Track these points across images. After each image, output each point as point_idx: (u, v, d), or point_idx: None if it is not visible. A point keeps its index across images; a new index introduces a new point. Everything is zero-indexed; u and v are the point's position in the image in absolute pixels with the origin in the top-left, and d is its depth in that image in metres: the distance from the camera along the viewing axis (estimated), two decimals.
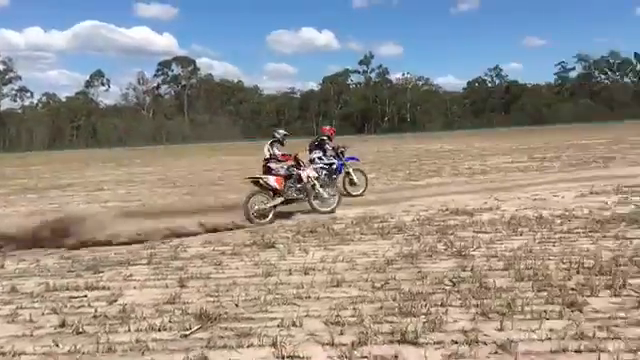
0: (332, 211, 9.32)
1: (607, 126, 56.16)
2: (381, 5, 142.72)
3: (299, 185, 9.35)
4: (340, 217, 8.83)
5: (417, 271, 5.35)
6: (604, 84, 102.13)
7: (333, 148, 11.61)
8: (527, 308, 4.09)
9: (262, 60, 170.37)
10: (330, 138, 11.81)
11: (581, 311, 4.03)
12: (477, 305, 4.23)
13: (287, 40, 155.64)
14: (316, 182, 9.48)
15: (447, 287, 4.78)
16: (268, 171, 9.45)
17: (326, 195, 9.53)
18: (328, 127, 12.58)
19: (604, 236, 6.54)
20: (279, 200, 9.08)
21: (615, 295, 4.36)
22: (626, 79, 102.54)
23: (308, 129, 73.55)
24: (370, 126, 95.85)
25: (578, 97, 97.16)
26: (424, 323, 3.89)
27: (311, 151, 11.41)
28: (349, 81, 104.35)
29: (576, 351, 3.34)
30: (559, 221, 7.60)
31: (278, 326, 3.98)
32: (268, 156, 9.66)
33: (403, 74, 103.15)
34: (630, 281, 4.65)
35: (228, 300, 4.67)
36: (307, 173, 9.45)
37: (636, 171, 13.68)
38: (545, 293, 4.45)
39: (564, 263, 5.36)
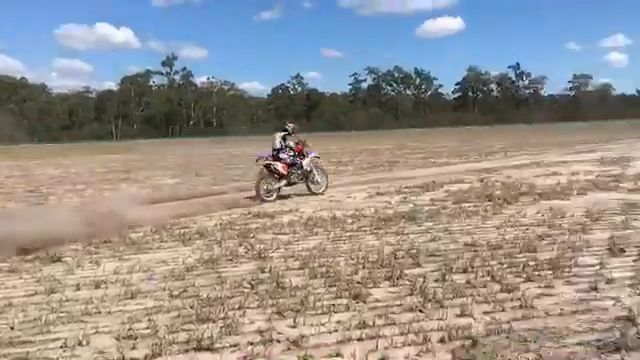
0: (322, 192, 11.59)
1: (393, 133, 62.78)
2: (181, 6, 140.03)
3: (300, 171, 11.37)
4: (138, 225, 8.40)
5: (217, 276, 5.34)
6: (390, 95, 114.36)
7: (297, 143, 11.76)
8: (318, 304, 4.36)
9: (50, 55, 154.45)
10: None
11: (365, 302, 4.42)
12: (273, 305, 4.38)
13: (80, 35, 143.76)
14: (314, 169, 11.65)
15: (246, 290, 4.86)
16: (277, 159, 11.18)
17: (319, 180, 11.76)
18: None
19: (387, 232, 7.28)
20: (283, 183, 11.17)
21: (393, 285, 4.87)
22: (408, 91, 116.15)
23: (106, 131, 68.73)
24: (175, 129, 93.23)
25: (369, 106, 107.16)
26: (221, 328, 3.89)
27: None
28: (151, 82, 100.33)
29: (359, 339, 3.65)
30: (350, 220, 8.24)
31: (61, 347, 3.64)
32: (279, 147, 11.37)
33: (208, 78, 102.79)
34: (406, 271, 5.25)
35: (2, 324, 4.13)
36: (307, 162, 11.52)
37: (415, 173, 15.54)
38: (335, 288, 4.79)
39: (352, 259, 5.83)
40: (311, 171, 11.56)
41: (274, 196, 10.87)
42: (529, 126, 76.80)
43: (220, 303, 4.45)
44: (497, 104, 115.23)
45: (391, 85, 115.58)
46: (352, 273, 5.29)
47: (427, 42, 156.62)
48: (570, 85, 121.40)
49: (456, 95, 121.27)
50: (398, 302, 4.39)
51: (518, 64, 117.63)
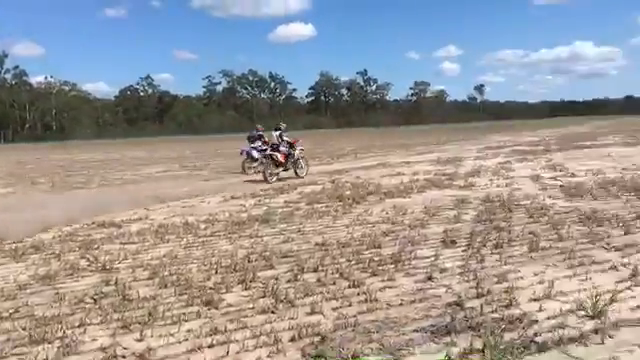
0: (304, 176, 15.09)
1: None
2: None
3: (292, 160, 15.10)
4: None
5: (54, 293, 4.90)
6: (246, 98, 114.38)
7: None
8: (168, 313, 4.21)
9: None
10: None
11: (217, 308, 4.36)
12: (119, 319, 4.13)
13: None
14: (300, 159, 15.42)
15: (88, 305, 4.53)
16: (277, 150, 14.82)
17: (303, 165, 15.54)
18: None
19: (241, 236, 7.26)
20: (281, 169, 14.89)
21: (246, 288, 4.87)
22: (263, 95, 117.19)
23: None
24: (7, 133, 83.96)
25: (225, 109, 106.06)
26: (58, 348, 3.59)
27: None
28: None
29: (209, 346, 3.59)
30: (204, 226, 8.08)
31: None
32: (277, 142, 15.31)
33: (46, 77, 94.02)
34: (259, 274, 5.28)
35: None
36: (297, 153, 15.33)
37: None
38: (186, 296, 4.66)
39: (205, 265, 5.72)
40: (298, 159, 15.39)
41: (275, 178, 14.32)
42: (377, 129, 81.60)
43: (58, 322, 4.09)
44: (347, 108, 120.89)
45: (246, 88, 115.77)
46: (205, 279, 5.19)
47: (280, 47, 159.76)
48: (411, 91, 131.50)
49: (310, 99, 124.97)
50: (251, 305, 4.40)
51: (366, 70, 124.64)
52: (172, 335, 3.78)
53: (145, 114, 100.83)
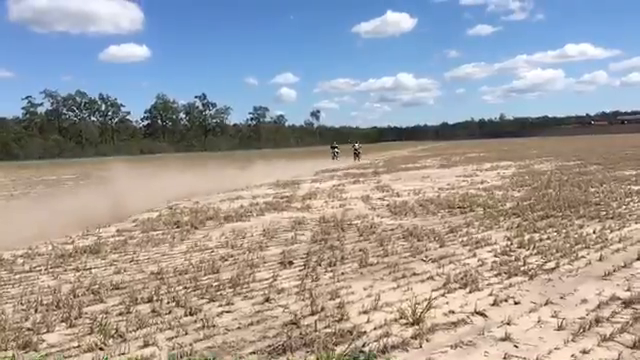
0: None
1: (78, 162, 58.14)
2: None
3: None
4: None
5: None
6: (73, 121, 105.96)
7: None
8: None
9: None
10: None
11: (36, 350, 3.97)
12: None
13: None
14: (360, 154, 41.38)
15: None
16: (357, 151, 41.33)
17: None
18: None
19: (66, 270, 6.68)
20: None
21: (71, 326, 4.49)
22: (93, 117, 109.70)
23: None
24: None
25: (48, 133, 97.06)
26: None
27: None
28: None
29: None
30: (21, 260, 7.27)
31: None
32: (357, 147, 41.54)
33: None
34: (85, 309, 4.90)
35: None
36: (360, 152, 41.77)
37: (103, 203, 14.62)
38: None
39: (23, 304, 5.16)
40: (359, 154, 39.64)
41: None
42: (215, 153, 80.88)
43: None
44: (186, 132, 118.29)
45: (73, 111, 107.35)
46: (22, 320, 4.68)
47: (112, 67, 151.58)
48: (251, 116, 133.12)
49: (145, 123, 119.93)
50: (76, 343, 4.07)
51: (204, 94, 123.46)
52: None
53: None
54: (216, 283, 5.68)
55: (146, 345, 4.00)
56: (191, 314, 4.69)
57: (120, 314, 4.79)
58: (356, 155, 40.66)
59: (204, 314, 4.65)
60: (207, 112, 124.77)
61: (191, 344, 3.96)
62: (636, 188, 12.78)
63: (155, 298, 5.18)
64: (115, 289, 5.63)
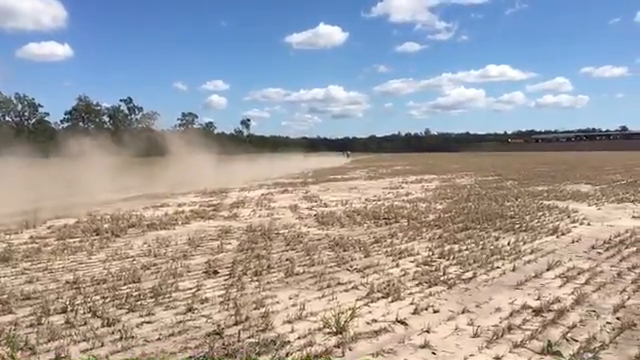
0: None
1: None
2: None
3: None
4: None
5: None
6: None
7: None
8: None
9: None
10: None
11: None
12: None
13: None
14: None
15: None
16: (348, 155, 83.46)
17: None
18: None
19: None
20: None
21: None
22: (8, 118, 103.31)
23: None
24: None
25: None
26: None
27: None
28: None
29: None
30: None
31: None
32: (349, 153, 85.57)
33: None
34: None
35: None
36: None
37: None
38: None
39: None
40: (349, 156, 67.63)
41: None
42: (145, 159, 78.27)
43: None
44: (111, 137, 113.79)
45: None
46: None
47: (31, 66, 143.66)
48: (179, 122, 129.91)
49: (66, 125, 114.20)
50: None
51: (130, 98, 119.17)
52: None
53: None
54: (136, 292, 5.49)
55: (58, 358, 3.81)
56: (108, 325, 4.50)
57: (30, 325, 4.53)
58: (347, 156, 77.51)
59: (122, 325, 4.48)
60: (133, 116, 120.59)
61: (107, 356, 3.81)
62: (547, 203, 13.61)
63: (70, 308, 4.95)
64: (26, 299, 5.31)
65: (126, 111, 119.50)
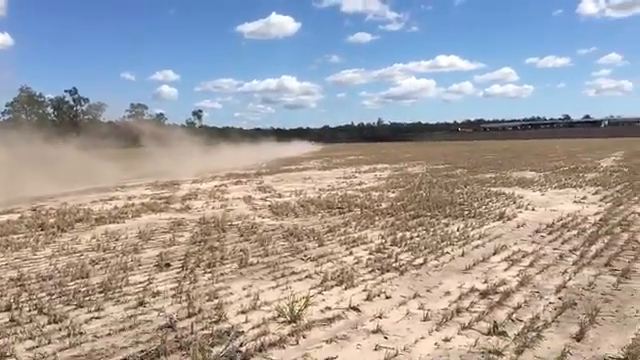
0: None
1: None
2: None
3: None
4: None
5: None
6: None
7: None
8: None
9: None
10: None
11: None
12: None
13: None
14: None
15: None
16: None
17: None
18: None
19: None
20: None
21: None
22: None
23: None
24: None
25: None
26: None
27: None
28: None
29: None
30: None
31: None
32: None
33: None
34: None
35: None
36: None
37: None
38: None
39: None
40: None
41: None
42: (94, 151, 75.93)
43: None
44: (55, 129, 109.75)
45: None
46: None
47: None
48: (128, 113, 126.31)
49: (7, 117, 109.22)
50: None
51: (75, 89, 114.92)
52: None
53: None
54: (85, 288, 5.35)
55: (2, 357, 3.68)
56: (55, 322, 4.38)
57: None
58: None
59: (70, 321, 4.36)
60: (78, 108, 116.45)
61: (55, 353, 3.70)
62: (495, 189, 14.05)
63: (14, 306, 4.78)
64: None
65: (71, 102, 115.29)
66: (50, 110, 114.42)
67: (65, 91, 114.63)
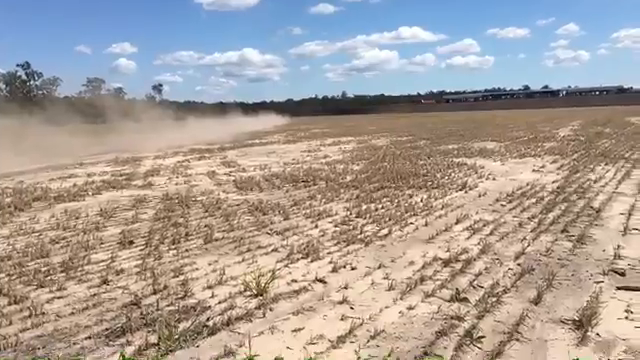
0: None
1: None
2: None
3: None
4: None
5: None
6: None
7: None
8: None
9: None
10: None
11: None
12: None
13: None
14: None
15: None
16: None
17: None
18: None
19: None
20: None
21: None
22: None
23: None
24: None
25: None
26: None
27: None
28: None
29: None
30: None
31: None
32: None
33: None
34: None
35: None
36: None
37: None
38: None
39: None
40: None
41: None
42: (52, 128, 73.50)
43: None
44: (8, 104, 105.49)
45: None
46: None
47: None
48: (84, 88, 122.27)
49: None
50: None
51: (28, 63, 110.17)
52: None
53: None
54: (45, 268, 5.24)
55: None
56: (16, 302, 4.29)
57: None
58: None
59: (31, 302, 4.27)
60: (32, 82, 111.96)
61: (16, 334, 3.63)
62: (457, 160, 14.29)
63: None
64: None
65: (24, 77, 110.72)
66: (2, 85, 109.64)
67: (17, 65, 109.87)
